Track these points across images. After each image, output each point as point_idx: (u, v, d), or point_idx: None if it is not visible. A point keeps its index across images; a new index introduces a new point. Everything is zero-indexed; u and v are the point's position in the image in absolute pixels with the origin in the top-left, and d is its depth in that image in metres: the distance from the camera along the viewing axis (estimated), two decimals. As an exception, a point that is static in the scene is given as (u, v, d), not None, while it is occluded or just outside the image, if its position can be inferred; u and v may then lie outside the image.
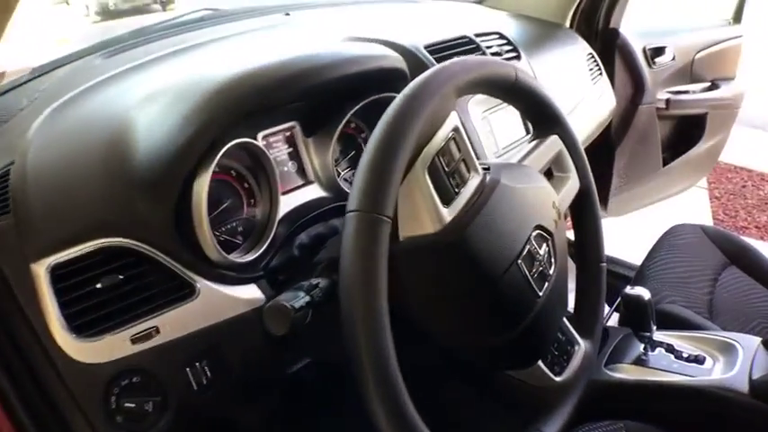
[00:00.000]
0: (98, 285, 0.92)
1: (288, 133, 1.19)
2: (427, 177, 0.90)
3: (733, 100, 2.88)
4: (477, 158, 1.02)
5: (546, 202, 1.09)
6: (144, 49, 1.40)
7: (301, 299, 0.91)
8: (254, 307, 1.03)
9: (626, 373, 1.33)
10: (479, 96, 1.53)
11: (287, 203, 1.15)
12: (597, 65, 2.29)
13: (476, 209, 0.95)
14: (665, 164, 2.81)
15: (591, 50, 2.29)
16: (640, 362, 1.34)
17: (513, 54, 1.79)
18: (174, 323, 0.97)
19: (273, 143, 1.16)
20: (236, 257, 1.04)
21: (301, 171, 1.21)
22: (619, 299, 1.36)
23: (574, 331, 1.20)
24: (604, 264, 1.26)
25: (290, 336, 0.93)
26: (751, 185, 4.88)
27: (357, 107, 1.21)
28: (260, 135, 1.14)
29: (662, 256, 1.95)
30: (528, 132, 1.68)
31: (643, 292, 1.30)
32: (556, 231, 1.08)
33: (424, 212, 0.90)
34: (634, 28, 2.62)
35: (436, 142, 0.93)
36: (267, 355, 1.09)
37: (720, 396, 1.23)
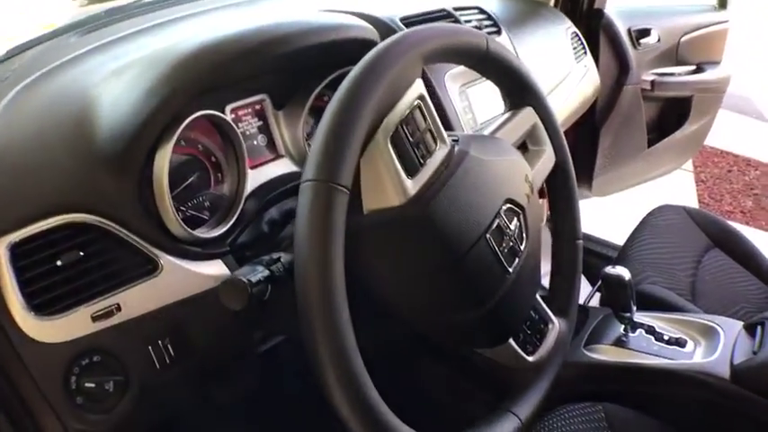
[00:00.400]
0: (58, 263, 0.89)
1: (257, 106, 1.17)
2: (390, 147, 0.87)
3: (718, 84, 2.88)
4: (451, 130, 1.00)
5: (517, 175, 1.06)
6: (118, 26, 1.38)
7: (259, 273, 0.89)
8: (218, 283, 1.00)
9: (605, 354, 1.31)
10: (457, 70, 1.52)
11: (256, 178, 1.13)
12: (581, 44, 2.28)
13: (442, 181, 0.92)
14: (650, 145, 2.82)
15: (575, 29, 2.27)
16: (620, 343, 1.32)
17: (494, 29, 1.78)
18: (136, 300, 0.95)
19: (242, 116, 1.14)
20: (202, 233, 1.02)
21: (271, 145, 1.19)
22: (601, 280, 1.33)
23: (548, 310, 1.18)
24: (580, 241, 1.24)
25: (251, 311, 0.91)
26: (737, 170, 4.92)
27: (328, 79, 1.19)
28: (228, 108, 1.12)
29: (644, 237, 1.94)
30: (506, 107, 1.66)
31: (623, 272, 1.28)
32: (528, 206, 1.05)
33: (388, 183, 0.87)
34: (618, 8, 2.62)
35: (399, 110, 0.90)
36: (233, 333, 1.07)
37: (701, 381, 1.22)
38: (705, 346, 1.31)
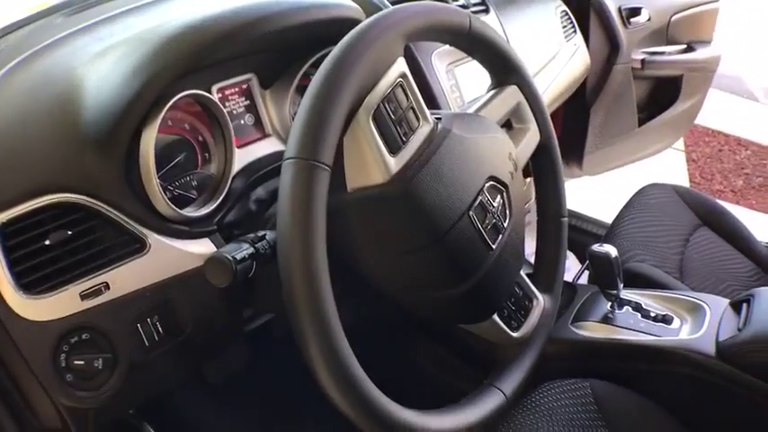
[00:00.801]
0: (47, 242, 0.90)
1: (244, 85, 1.17)
2: (372, 125, 0.88)
3: (709, 63, 2.87)
4: (438, 109, 1.00)
5: (501, 152, 1.07)
6: (104, 6, 1.37)
7: (244, 250, 0.90)
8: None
9: (592, 331, 1.32)
10: (444, 48, 1.53)
11: (243, 157, 1.14)
12: (571, 22, 2.28)
13: (424, 158, 0.93)
14: (640, 124, 2.81)
15: (565, 8, 2.27)
16: (607, 320, 1.33)
17: (482, 8, 1.77)
18: (124, 278, 0.96)
19: (229, 96, 1.15)
20: (189, 212, 1.03)
21: (259, 124, 1.19)
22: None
23: (532, 286, 1.19)
24: (565, 219, 1.25)
25: (237, 289, 0.92)
26: (728, 150, 4.92)
27: (314, 58, 1.19)
28: (214, 88, 1.12)
29: (633, 215, 1.94)
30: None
31: (610, 249, 1.29)
32: (511, 183, 1.06)
33: (371, 161, 0.88)
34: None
35: (381, 88, 0.90)
36: (221, 311, 1.08)
37: (686, 357, 1.23)
38: (691, 323, 1.32)
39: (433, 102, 1.44)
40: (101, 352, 0.95)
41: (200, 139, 1.10)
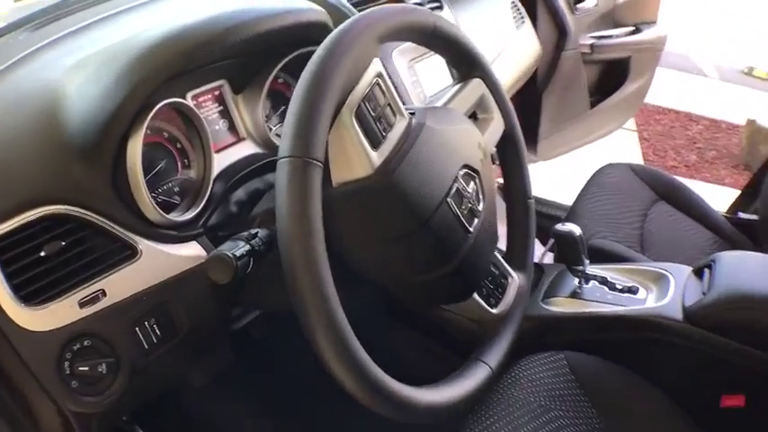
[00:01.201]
0: (42, 254, 0.92)
1: (217, 92, 1.20)
2: (355, 122, 0.92)
3: (655, 43, 2.92)
4: (404, 104, 1.05)
5: (471, 141, 1.12)
6: (70, 19, 1.37)
7: (242, 247, 0.93)
8: (196, 264, 1.05)
9: (562, 306, 1.37)
10: (405, 46, 1.56)
11: (221, 161, 1.17)
12: (520, 12, 2.31)
13: (403, 151, 0.97)
14: (592, 107, 2.87)
15: (513, -2, 2.31)
16: (575, 295, 1.38)
17: (436, 4, 1.81)
18: (119, 285, 0.98)
19: (203, 102, 1.17)
20: (175, 217, 1.06)
21: (233, 128, 1.22)
22: (552, 239, 1.39)
23: (507, 265, 1.25)
24: (532, 200, 1.29)
25: (234, 286, 0.95)
26: (679, 126, 5.00)
27: (283, 62, 1.22)
28: (189, 95, 1.14)
29: (592, 194, 1.99)
30: (454, 80, 1.70)
31: (573, 228, 1.34)
32: (482, 169, 1.11)
33: (355, 157, 0.93)
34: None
35: (361, 88, 0.95)
36: (213, 310, 1.11)
37: (655, 324, 1.27)
38: (657, 291, 1.37)
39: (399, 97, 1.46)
40: (103, 357, 0.97)
41: (179, 145, 1.12)
